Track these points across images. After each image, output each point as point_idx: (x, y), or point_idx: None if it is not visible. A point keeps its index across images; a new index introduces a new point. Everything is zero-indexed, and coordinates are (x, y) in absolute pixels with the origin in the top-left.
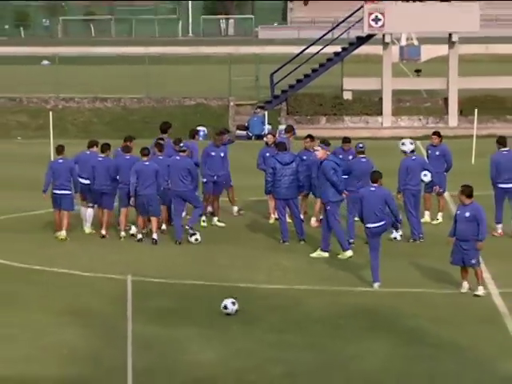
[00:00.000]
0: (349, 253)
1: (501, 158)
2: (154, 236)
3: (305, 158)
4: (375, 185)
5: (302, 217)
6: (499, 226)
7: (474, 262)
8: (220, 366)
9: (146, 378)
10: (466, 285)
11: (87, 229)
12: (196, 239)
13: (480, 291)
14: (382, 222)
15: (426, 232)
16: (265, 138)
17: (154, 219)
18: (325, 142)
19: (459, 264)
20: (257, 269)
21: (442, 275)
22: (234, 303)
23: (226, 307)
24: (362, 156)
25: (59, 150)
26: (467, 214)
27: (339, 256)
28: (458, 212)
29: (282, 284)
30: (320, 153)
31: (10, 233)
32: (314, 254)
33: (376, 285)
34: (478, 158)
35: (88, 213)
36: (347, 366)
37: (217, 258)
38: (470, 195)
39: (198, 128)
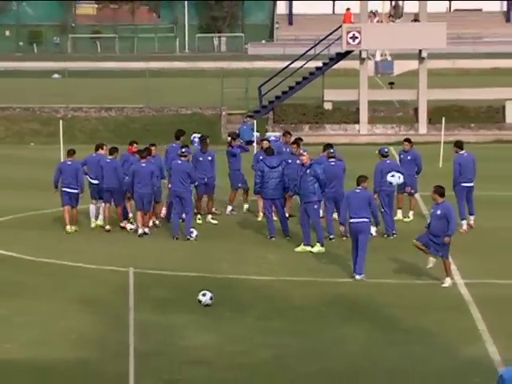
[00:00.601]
0: (323, 248)
1: (462, 159)
2: (146, 230)
3: (290, 161)
4: (359, 187)
5: (286, 215)
6: (464, 222)
7: (440, 254)
8: (214, 350)
9: (146, 360)
10: (432, 259)
11: (93, 223)
12: (196, 235)
13: (447, 283)
14: (365, 220)
15: (398, 228)
16: (255, 144)
17: (148, 214)
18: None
19: (424, 243)
20: (247, 262)
21: (413, 267)
22: (209, 297)
23: (199, 301)
24: (332, 160)
25: (70, 153)
26: (438, 212)
27: (313, 250)
28: (432, 210)
29: (269, 276)
30: (305, 158)
31: (21, 229)
32: (298, 249)
33: (358, 277)
34: (445, 162)
35: (97, 209)
36: (329, 349)
37: (211, 253)
38: (442, 194)
39: (194, 135)
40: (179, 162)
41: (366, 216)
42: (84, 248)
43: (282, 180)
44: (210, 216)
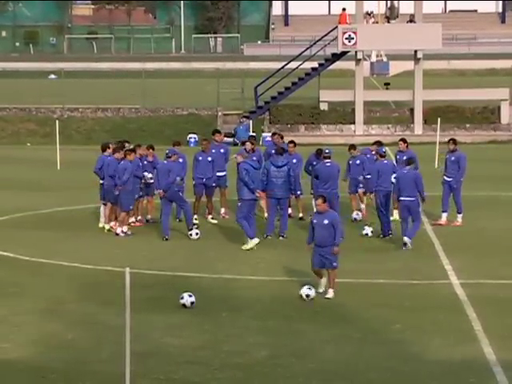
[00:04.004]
0: (255, 240)
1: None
2: (119, 230)
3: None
4: (407, 168)
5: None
6: (444, 214)
7: (335, 264)
8: (210, 350)
9: (143, 360)
10: (323, 281)
11: (101, 223)
12: (196, 233)
13: (330, 294)
14: (413, 198)
15: (394, 229)
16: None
17: (121, 213)
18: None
19: (320, 267)
20: (243, 262)
21: (408, 267)
22: (190, 295)
23: (182, 297)
24: (328, 161)
25: (103, 147)
26: (325, 222)
27: (244, 247)
28: (315, 220)
29: (265, 276)
30: (238, 157)
31: (17, 229)
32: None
33: (407, 239)
34: (440, 162)
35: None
36: (323, 349)
37: (207, 253)
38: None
39: (190, 135)
40: (165, 162)
41: (413, 195)
42: (80, 248)
43: (288, 180)
44: (210, 216)
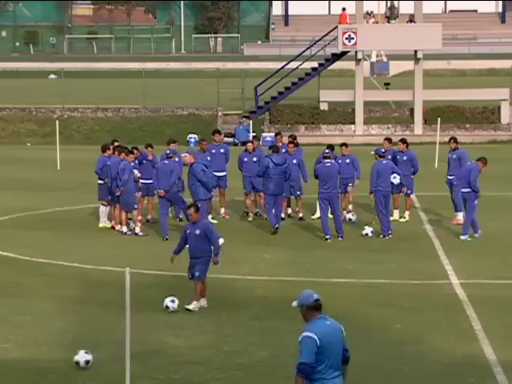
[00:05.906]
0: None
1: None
2: (123, 229)
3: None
4: (472, 163)
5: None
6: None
7: (197, 274)
8: (210, 350)
9: (143, 360)
10: (197, 303)
11: (101, 224)
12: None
13: (192, 305)
14: (468, 189)
15: (394, 228)
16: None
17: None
18: (330, 147)
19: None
20: (242, 262)
21: (408, 267)
22: (173, 301)
23: (167, 307)
24: (328, 161)
25: (103, 148)
26: (197, 232)
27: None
28: (188, 230)
29: (265, 276)
30: (188, 157)
31: (17, 229)
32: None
33: (463, 237)
34: (440, 162)
35: (104, 209)
36: None
37: None
38: (198, 211)
39: (190, 135)
40: (166, 161)
41: (468, 187)
42: (80, 248)
43: (285, 178)
44: (209, 216)
